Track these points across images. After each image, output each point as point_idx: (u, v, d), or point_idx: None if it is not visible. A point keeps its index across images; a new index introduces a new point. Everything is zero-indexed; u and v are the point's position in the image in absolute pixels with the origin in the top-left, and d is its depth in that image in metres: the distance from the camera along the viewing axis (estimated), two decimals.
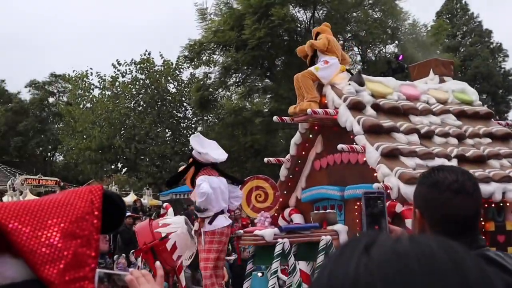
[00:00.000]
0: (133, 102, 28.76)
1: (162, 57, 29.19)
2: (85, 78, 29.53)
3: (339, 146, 7.20)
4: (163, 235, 7.41)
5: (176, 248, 7.44)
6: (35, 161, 44.70)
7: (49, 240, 1.30)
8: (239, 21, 21.25)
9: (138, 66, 28.68)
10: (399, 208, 6.61)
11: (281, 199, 8.58)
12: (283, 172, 8.79)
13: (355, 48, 23.64)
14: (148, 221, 8.00)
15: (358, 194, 7.11)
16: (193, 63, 24.46)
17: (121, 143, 26.96)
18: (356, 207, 7.44)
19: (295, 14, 22.27)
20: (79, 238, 1.34)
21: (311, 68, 7.86)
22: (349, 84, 7.72)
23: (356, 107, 7.49)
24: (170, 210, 8.69)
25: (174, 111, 29.38)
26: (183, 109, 29.80)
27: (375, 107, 7.69)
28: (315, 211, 7.57)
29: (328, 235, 6.62)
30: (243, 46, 20.86)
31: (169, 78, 29.04)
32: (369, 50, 22.91)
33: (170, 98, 29.12)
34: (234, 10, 21.94)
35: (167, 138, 28.44)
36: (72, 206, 1.38)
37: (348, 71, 8.18)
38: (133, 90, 28.71)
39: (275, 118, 8.45)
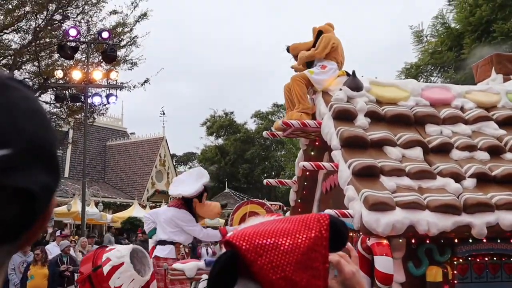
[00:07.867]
0: None
1: None
2: None
3: (300, 164, 6.12)
4: (106, 265, 6.53)
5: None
6: (261, 186, 47.58)
7: (284, 272, 1.41)
8: (458, 40, 20.48)
9: None
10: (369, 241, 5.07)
11: None
12: (292, 196, 7.73)
13: None
14: (96, 249, 7.18)
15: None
16: None
17: None
18: None
19: None
20: (310, 270, 1.43)
21: (305, 71, 6.60)
22: (340, 90, 6.26)
23: (343, 116, 6.01)
24: None
25: None
26: None
27: (375, 116, 6.15)
28: None
29: None
30: (462, 66, 20.04)
31: None
32: None
33: None
34: (451, 29, 21.20)
35: None
36: (302, 237, 1.47)
37: (348, 74, 6.63)
38: None
39: (264, 133, 7.34)
